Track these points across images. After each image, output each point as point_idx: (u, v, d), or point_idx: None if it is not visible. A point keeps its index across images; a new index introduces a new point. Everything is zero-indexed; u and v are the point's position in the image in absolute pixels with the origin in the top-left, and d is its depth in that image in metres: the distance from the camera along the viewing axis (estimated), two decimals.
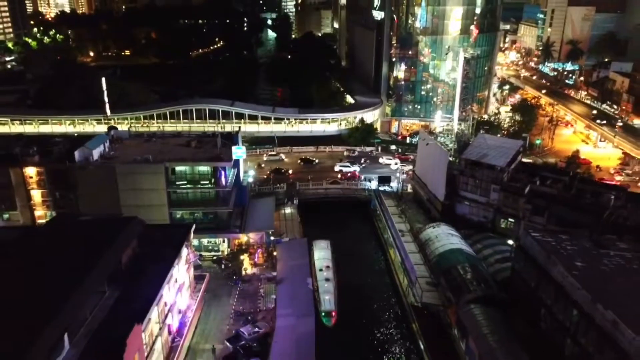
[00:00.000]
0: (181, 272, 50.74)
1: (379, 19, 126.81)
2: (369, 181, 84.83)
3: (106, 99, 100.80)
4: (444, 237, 63.07)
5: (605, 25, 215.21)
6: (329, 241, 67.45)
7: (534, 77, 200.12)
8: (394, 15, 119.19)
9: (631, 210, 59.21)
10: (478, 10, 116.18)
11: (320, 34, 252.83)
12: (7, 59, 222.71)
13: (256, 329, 51.18)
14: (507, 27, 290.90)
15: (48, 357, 33.44)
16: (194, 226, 56.12)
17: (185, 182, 65.49)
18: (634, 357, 35.57)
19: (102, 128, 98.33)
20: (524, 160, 78.05)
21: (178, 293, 49.84)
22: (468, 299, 51.39)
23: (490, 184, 66.18)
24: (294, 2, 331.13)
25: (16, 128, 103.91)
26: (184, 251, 51.63)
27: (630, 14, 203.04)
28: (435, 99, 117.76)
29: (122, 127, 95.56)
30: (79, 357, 35.55)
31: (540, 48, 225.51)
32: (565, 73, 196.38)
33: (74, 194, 63.20)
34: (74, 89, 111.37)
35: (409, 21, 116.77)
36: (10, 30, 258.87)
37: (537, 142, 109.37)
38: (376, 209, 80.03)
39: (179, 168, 65.87)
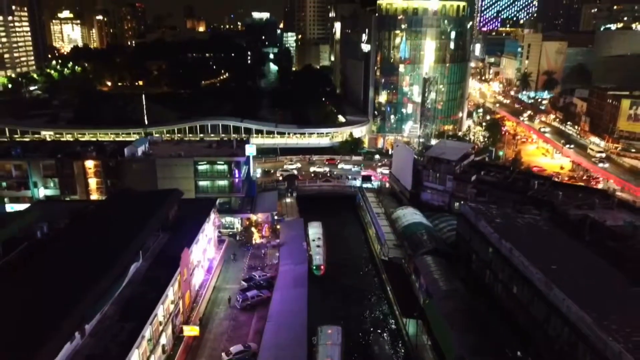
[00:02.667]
0: (210, 229, 68.84)
1: (366, 51, 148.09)
2: (355, 179, 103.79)
3: (145, 115, 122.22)
4: (410, 215, 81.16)
5: (577, 58, 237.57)
6: (321, 222, 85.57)
7: (515, 105, 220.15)
8: (379, 48, 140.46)
9: (550, 191, 77.69)
10: (451, 45, 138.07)
11: (318, 67, 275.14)
12: (32, 88, 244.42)
13: (264, 274, 68.91)
14: (492, 60, 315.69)
15: (129, 262, 51.19)
16: (218, 199, 74.41)
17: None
18: (520, 268, 53.47)
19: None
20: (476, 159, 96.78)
21: (208, 244, 67.81)
22: (422, 252, 69.20)
23: (446, 175, 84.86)
24: (295, 38, 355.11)
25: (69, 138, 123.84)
26: (212, 215, 69.82)
27: (597, 48, 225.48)
28: (412, 118, 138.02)
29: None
30: (148, 266, 53.41)
31: (519, 79, 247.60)
32: (540, 100, 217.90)
33: (122, 182, 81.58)
34: (108, 108, 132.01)
35: (392, 53, 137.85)
36: (33, 62, 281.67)
37: (500, 153, 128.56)
38: (360, 201, 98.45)
39: (202, 167, 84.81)
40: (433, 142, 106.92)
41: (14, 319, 38.82)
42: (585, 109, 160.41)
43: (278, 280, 66.01)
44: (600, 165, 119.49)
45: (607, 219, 64.70)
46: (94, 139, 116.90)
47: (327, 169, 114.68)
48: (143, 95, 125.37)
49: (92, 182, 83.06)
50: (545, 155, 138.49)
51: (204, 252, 65.74)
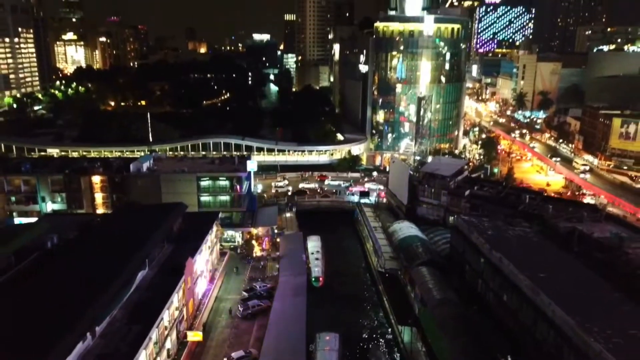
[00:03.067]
0: (212, 241, 71.36)
1: (364, 72, 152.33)
2: (353, 195, 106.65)
3: (150, 133, 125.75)
4: (406, 229, 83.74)
5: (571, 78, 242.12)
6: (320, 236, 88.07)
7: (511, 124, 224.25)
8: (376, 69, 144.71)
9: (540, 205, 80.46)
10: (447, 65, 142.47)
11: (318, 87, 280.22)
12: (36, 107, 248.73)
13: (265, 284, 71.20)
14: (489, 80, 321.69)
15: (136, 270, 53.69)
16: (220, 212, 77.12)
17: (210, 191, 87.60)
18: (509, 277, 55.95)
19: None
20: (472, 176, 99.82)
21: (210, 255, 70.28)
22: (418, 263, 71.65)
23: (441, 190, 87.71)
24: (295, 59, 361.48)
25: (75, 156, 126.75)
26: (214, 227, 72.44)
27: (590, 69, 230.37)
28: (409, 137, 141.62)
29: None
30: (154, 274, 55.89)
31: (515, 98, 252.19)
32: (535, 119, 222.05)
33: (127, 197, 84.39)
34: (113, 127, 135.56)
35: (388, 74, 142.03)
36: (38, 83, 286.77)
37: (495, 170, 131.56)
38: (358, 216, 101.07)
39: (204, 183, 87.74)
40: (429, 159, 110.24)
41: (30, 320, 41.23)
42: (579, 128, 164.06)
43: (278, 291, 68.29)
44: (582, 176, 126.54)
45: (595, 231, 67.38)
46: (100, 156, 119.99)
47: (316, 185, 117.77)
48: (148, 114, 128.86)
49: (98, 197, 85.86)
50: (540, 173, 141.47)
51: (206, 262, 68.20)
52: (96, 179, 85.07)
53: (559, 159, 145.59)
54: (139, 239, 58.04)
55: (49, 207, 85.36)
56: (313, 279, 75.12)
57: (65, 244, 59.98)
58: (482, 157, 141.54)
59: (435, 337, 57.65)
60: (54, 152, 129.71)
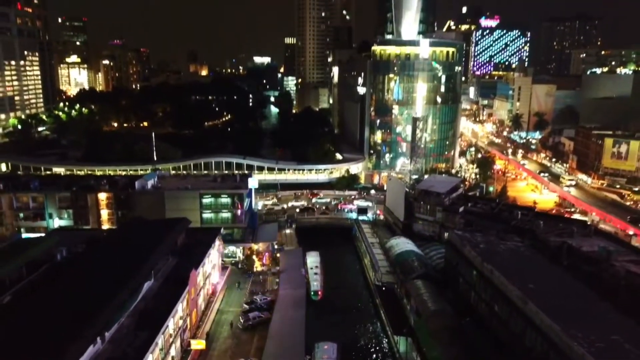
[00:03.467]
0: (214, 256, 73.86)
1: (362, 93, 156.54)
2: (351, 212, 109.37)
3: (154, 152, 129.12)
4: (402, 244, 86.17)
5: (566, 100, 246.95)
6: (319, 252, 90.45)
7: (507, 144, 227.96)
8: (373, 91, 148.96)
9: (532, 221, 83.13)
10: (442, 87, 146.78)
11: (317, 109, 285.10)
12: (40, 128, 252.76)
13: (265, 297, 73.44)
14: (485, 102, 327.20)
15: (142, 280, 56.16)
16: (222, 228, 79.76)
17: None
18: (500, 287, 58.41)
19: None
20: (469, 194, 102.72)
21: (213, 269, 72.69)
22: (413, 276, 73.95)
23: (436, 207, 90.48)
24: (295, 81, 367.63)
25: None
26: (217, 242, 75.00)
27: (584, 91, 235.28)
28: (406, 156, 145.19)
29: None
30: (159, 285, 58.30)
31: (511, 120, 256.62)
32: (531, 140, 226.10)
33: (132, 213, 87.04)
34: (117, 147, 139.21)
35: (385, 95, 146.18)
36: (42, 104, 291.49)
37: (491, 189, 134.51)
38: (356, 233, 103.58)
39: (207, 200, 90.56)
40: (426, 177, 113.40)
41: (44, 325, 43.63)
42: (573, 148, 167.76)
43: (278, 303, 70.52)
44: (566, 189, 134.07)
45: (584, 246, 70.18)
46: (105, 174, 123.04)
47: (304, 203, 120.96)
48: (153, 134, 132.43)
49: (104, 213, 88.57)
50: (534, 191, 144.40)
51: (209, 276, 70.57)
52: (102, 196, 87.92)
53: (547, 174, 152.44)
54: (144, 252, 60.56)
55: (56, 223, 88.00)
56: (312, 293, 77.31)
57: (74, 256, 62.64)
58: (477, 176, 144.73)
59: (430, 347, 59.78)
60: (59, 171, 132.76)
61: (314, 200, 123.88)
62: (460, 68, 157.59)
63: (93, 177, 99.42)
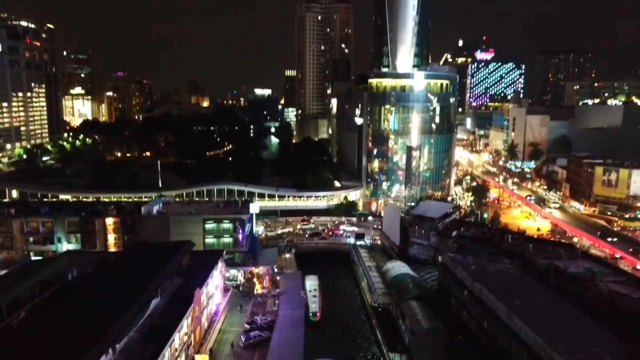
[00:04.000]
0: (217, 277, 77.05)
1: (359, 124, 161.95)
2: (348, 237, 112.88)
3: (160, 179, 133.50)
4: (398, 268, 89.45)
5: (559, 130, 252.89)
6: (317, 276, 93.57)
7: (502, 173, 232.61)
8: (370, 121, 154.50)
9: (522, 244, 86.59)
10: (437, 118, 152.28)
11: (317, 139, 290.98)
12: (44, 158, 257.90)
13: (265, 318, 76.30)
14: (482, 132, 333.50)
15: (150, 297, 59.35)
16: (224, 251, 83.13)
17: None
18: (489, 305, 61.59)
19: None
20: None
21: (215, 289, 75.79)
22: (408, 297, 77.01)
23: (430, 231, 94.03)
24: (295, 113, 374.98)
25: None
26: (219, 264, 78.31)
27: (577, 121, 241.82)
28: (401, 184, 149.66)
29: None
30: (166, 302, 61.46)
31: (506, 149, 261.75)
32: (526, 169, 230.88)
33: (138, 237, 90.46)
34: (122, 175, 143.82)
35: (382, 125, 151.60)
36: (47, 135, 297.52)
37: (485, 215, 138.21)
38: (354, 257, 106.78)
39: (209, 225, 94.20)
40: (421, 203, 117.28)
41: (59, 338, 46.78)
42: (566, 176, 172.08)
43: (277, 323, 73.33)
44: (548, 210, 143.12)
45: (571, 267, 73.55)
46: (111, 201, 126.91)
47: (290, 229, 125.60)
48: (158, 162, 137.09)
49: (111, 238, 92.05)
50: (528, 218, 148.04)
51: (212, 296, 73.62)
52: (109, 221, 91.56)
53: (533, 197, 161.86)
54: (151, 271, 63.94)
55: (64, 247, 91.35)
56: (311, 314, 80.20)
57: (85, 276, 65.88)
58: (473, 203, 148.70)
59: None
60: (66, 198, 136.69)
61: (299, 226, 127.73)
62: (454, 99, 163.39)
63: (100, 203, 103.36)
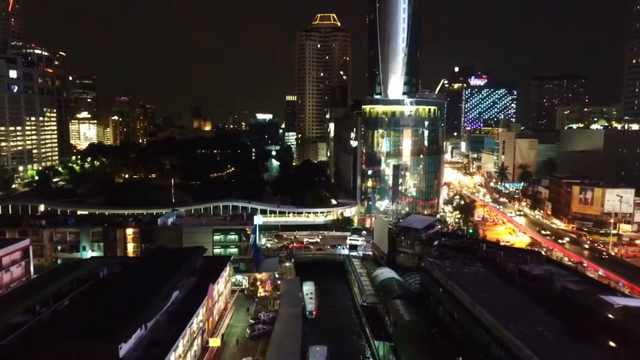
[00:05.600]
0: (225, 278, 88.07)
1: (354, 146, 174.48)
2: (343, 248, 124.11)
3: (173, 196, 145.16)
4: (386, 273, 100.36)
5: (547, 153, 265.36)
6: (314, 282, 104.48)
7: (493, 194, 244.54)
8: (364, 144, 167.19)
9: (494, 252, 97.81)
10: (425, 141, 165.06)
11: (316, 161, 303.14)
12: (55, 179, 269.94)
13: (268, 314, 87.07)
14: (475, 155, 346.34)
15: (170, 293, 70.31)
16: (232, 257, 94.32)
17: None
18: (459, 299, 72.52)
19: None
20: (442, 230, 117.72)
21: (224, 289, 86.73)
22: (393, 297, 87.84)
23: (415, 241, 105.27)
24: (295, 136, 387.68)
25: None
26: (227, 267, 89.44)
27: (563, 144, 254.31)
28: (390, 199, 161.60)
29: None
30: (184, 295, 72.43)
31: (497, 171, 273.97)
32: (515, 190, 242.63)
33: (154, 246, 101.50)
34: (136, 193, 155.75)
35: (375, 148, 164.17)
36: (57, 157, 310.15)
37: (471, 231, 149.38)
38: (348, 267, 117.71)
39: (217, 237, 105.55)
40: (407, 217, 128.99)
41: (101, 318, 57.75)
42: (548, 196, 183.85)
43: (278, 318, 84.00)
44: (510, 215, 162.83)
45: (535, 270, 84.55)
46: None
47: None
48: (172, 181, 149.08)
49: (130, 246, 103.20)
50: (511, 234, 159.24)
51: (221, 294, 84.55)
52: (129, 231, 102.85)
53: (501, 206, 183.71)
54: (171, 270, 75.09)
55: (88, 254, 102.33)
56: (307, 312, 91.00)
57: (114, 275, 77.05)
58: (460, 220, 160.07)
59: (404, 350, 73.19)
60: (85, 213, 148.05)
61: (305, 239, 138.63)
62: (442, 124, 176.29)
63: (120, 216, 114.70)
